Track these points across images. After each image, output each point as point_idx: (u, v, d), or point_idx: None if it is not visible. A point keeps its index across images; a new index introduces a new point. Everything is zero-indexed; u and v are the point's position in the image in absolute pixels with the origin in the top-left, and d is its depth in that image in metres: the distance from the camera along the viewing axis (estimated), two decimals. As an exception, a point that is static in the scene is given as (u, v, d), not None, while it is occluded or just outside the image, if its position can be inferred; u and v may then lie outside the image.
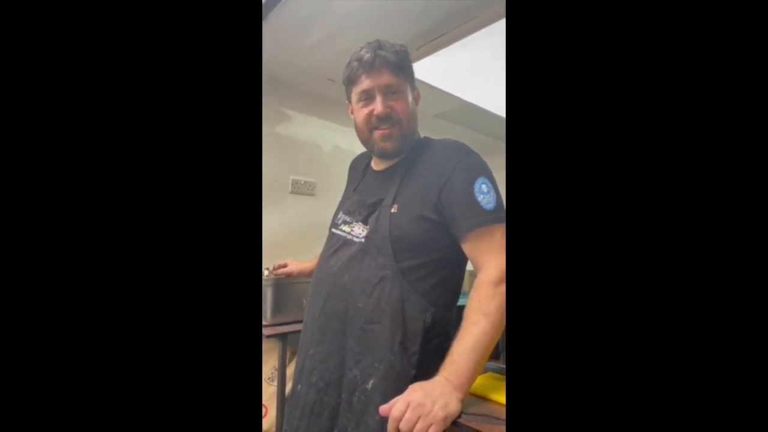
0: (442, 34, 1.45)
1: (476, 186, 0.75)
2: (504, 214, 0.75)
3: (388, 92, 0.83)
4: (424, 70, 1.67)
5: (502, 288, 0.70)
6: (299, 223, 1.80)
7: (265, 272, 1.39)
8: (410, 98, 0.86)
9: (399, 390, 0.68)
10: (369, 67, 0.82)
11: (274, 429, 1.40)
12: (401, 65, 0.84)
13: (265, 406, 1.47)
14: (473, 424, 0.71)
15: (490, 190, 0.76)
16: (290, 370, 1.30)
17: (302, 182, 1.86)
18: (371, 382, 0.74)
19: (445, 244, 0.78)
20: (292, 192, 1.84)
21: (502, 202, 0.76)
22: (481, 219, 0.74)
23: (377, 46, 0.84)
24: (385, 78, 0.82)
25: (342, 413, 0.76)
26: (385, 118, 0.83)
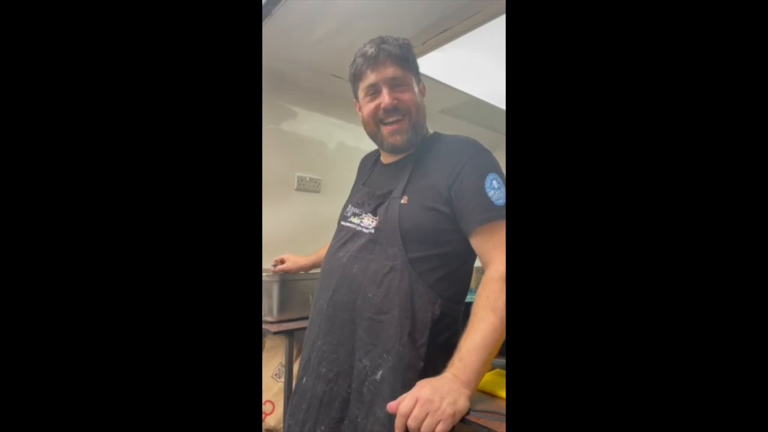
0: (447, 29, 1.44)
1: (487, 182, 0.75)
2: (505, 210, 0.74)
3: (394, 84, 0.83)
4: (430, 65, 1.66)
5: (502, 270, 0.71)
6: (305, 220, 1.80)
7: (272, 269, 1.39)
8: (416, 90, 0.86)
9: (407, 381, 0.70)
10: (374, 61, 0.83)
11: (281, 425, 1.40)
12: (405, 58, 0.84)
13: (272, 403, 1.48)
14: (482, 421, 0.71)
15: (501, 187, 0.76)
16: (297, 368, 1.30)
17: (307, 179, 1.86)
18: (380, 372, 0.74)
19: (454, 238, 0.78)
20: (297, 189, 1.84)
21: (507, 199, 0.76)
22: (491, 214, 0.74)
23: (381, 41, 0.84)
24: (390, 71, 0.83)
25: (352, 403, 0.77)
26: (392, 110, 0.83)
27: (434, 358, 0.74)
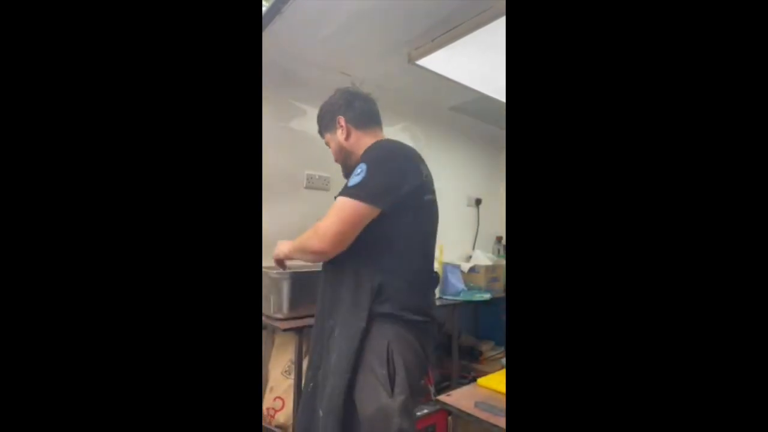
0: (455, 26, 1.43)
1: (356, 170, 0.96)
2: (364, 192, 0.92)
3: (329, 144, 1.18)
4: (439, 62, 1.66)
5: (317, 235, 0.97)
6: (315, 218, 1.79)
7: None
8: (335, 137, 1.13)
9: (352, 336, 0.92)
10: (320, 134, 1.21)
11: (291, 421, 1.41)
12: (326, 124, 1.15)
13: (282, 399, 1.49)
14: (493, 419, 0.71)
15: (362, 173, 0.94)
16: (306, 364, 1.31)
17: (317, 177, 1.86)
18: (336, 330, 0.98)
19: (371, 225, 0.95)
20: (306, 187, 1.84)
21: (371, 184, 0.92)
22: (342, 192, 0.96)
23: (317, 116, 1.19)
24: (324, 140, 1.19)
25: (324, 355, 1.00)
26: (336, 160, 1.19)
27: (377, 322, 0.93)
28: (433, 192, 1.04)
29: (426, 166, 1.04)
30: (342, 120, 1.11)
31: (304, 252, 1.03)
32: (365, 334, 0.92)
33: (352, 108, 1.11)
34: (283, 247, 1.14)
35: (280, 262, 1.19)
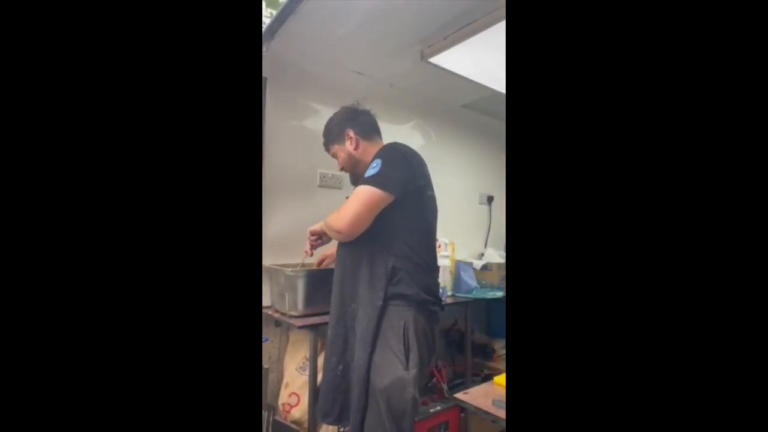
0: (469, 23, 1.43)
1: (371, 164, 1.10)
2: (380, 181, 1.04)
3: (337, 156, 1.30)
4: (451, 59, 1.65)
5: (339, 215, 1.11)
6: (327, 216, 1.81)
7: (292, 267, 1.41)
8: (347, 146, 1.26)
9: (371, 315, 1.05)
10: (326, 148, 1.34)
11: (306, 417, 1.43)
12: (336, 134, 1.27)
13: (297, 395, 1.50)
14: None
15: (378, 166, 1.07)
16: (321, 361, 1.32)
17: (330, 175, 1.87)
18: (359, 310, 1.10)
19: (384, 213, 1.07)
20: (320, 185, 1.86)
21: (386, 175, 1.05)
22: (360, 182, 1.09)
23: (325, 128, 1.32)
24: (331, 151, 1.32)
25: (350, 334, 1.12)
26: (342, 170, 1.33)
27: (393, 299, 1.06)
28: (433, 189, 1.18)
29: (427, 168, 1.18)
30: (351, 132, 1.25)
31: (329, 229, 1.18)
32: (383, 312, 1.05)
33: (358, 122, 1.28)
34: (316, 226, 1.29)
35: (315, 233, 1.30)
